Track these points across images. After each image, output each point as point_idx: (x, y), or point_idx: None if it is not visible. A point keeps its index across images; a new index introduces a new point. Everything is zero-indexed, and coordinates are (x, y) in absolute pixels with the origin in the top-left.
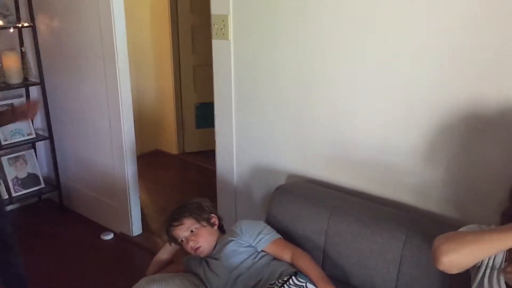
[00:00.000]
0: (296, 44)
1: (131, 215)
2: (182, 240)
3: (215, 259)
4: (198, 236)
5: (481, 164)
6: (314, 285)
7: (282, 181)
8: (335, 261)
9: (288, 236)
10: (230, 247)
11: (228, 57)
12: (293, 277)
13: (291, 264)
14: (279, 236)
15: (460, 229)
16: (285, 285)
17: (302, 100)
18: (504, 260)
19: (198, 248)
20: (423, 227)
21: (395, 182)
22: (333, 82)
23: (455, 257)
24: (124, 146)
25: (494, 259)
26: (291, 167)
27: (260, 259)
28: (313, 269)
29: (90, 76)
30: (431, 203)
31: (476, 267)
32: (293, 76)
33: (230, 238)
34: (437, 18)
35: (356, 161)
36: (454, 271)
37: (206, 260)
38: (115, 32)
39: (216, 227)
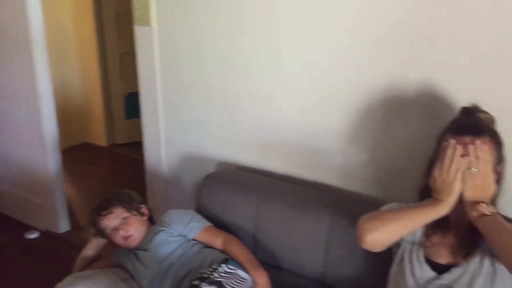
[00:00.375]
0: (220, 30)
1: (57, 212)
2: (111, 231)
3: (144, 250)
4: (128, 225)
5: (401, 144)
6: (245, 270)
7: (212, 169)
8: (265, 246)
9: (219, 224)
10: (160, 237)
11: (151, 45)
12: (223, 265)
13: (223, 251)
14: (210, 223)
15: (382, 208)
16: (214, 273)
17: (228, 87)
18: (422, 235)
19: (128, 236)
20: (349, 208)
21: (322, 165)
22: (257, 68)
23: (378, 235)
24: (45, 139)
25: (414, 234)
26: (221, 154)
27: (191, 248)
28: (243, 255)
29: (4, 64)
30: (356, 184)
31: (398, 244)
32: (218, 63)
33: (160, 228)
34: (354, 1)
35: (284, 146)
36: (377, 248)
37: (135, 252)
38: (29, 14)
39: (146, 218)
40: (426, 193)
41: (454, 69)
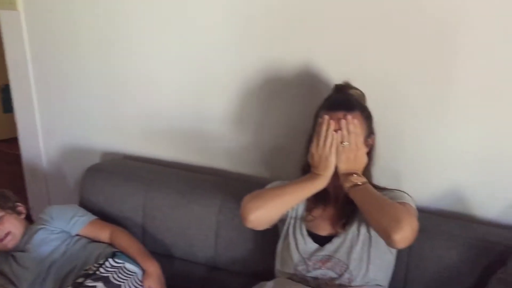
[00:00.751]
0: (98, 13)
1: None
2: None
3: (22, 251)
4: (4, 223)
5: (284, 123)
6: (134, 263)
7: (97, 160)
8: (155, 235)
9: (105, 216)
10: (39, 235)
11: (20, 30)
12: (110, 259)
13: (110, 245)
14: (95, 217)
15: (266, 187)
16: (100, 268)
17: (109, 72)
18: (304, 210)
19: (6, 235)
20: (236, 190)
21: (209, 149)
22: (138, 51)
23: (261, 213)
24: None
25: (296, 210)
26: (106, 144)
27: (75, 243)
28: (132, 246)
29: None
30: (243, 166)
31: (282, 220)
32: (97, 47)
33: (39, 227)
34: None
35: (169, 132)
36: (261, 227)
37: (12, 254)
38: None
39: (23, 216)
40: (308, 170)
41: (328, 49)
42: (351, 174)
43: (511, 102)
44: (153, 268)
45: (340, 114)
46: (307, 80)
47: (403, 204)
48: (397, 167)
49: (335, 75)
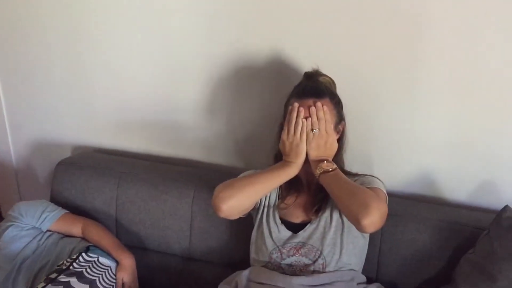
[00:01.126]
0: (62, 5)
1: None
2: None
3: None
4: None
5: (256, 112)
6: (108, 256)
7: (67, 154)
8: (129, 228)
9: (78, 211)
10: (9, 233)
11: None
12: (83, 254)
13: (83, 239)
14: (66, 211)
15: (239, 176)
16: (74, 263)
17: (76, 64)
18: (277, 198)
19: None
20: (210, 180)
21: (182, 140)
22: (107, 41)
23: (233, 203)
24: None
25: (269, 198)
26: (77, 138)
27: (46, 239)
28: (104, 238)
29: None
30: (217, 156)
31: (256, 209)
32: (64, 38)
33: (8, 224)
34: None
35: (141, 123)
36: (234, 216)
37: None
38: None
39: None
40: (280, 158)
41: (298, 37)
42: (321, 160)
43: (477, 87)
44: (127, 260)
45: (309, 101)
46: (278, 68)
47: (373, 189)
48: (368, 153)
49: (306, 63)
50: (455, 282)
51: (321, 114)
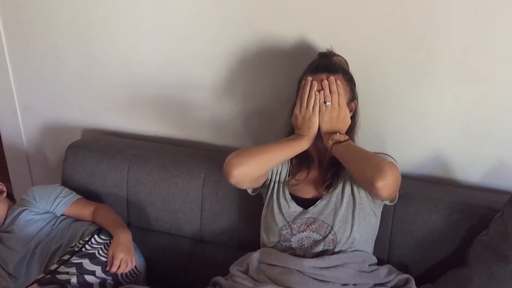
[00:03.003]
0: None
1: None
2: None
3: (7, 232)
4: None
5: (270, 92)
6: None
7: (77, 137)
8: (139, 210)
9: (88, 194)
10: (24, 216)
11: None
12: (95, 236)
13: (94, 222)
14: (79, 196)
15: None
16: (86, 245)
17: (86, 48)
18: (288, 174)
19: None
20: (221, 162)
21: (194, 122)
22: (116, 25)
23: (244, 169)
24: None
25: (280, 174)
26: (87, 121)
27: (59, 223)
28: (107, 218)
29: None
30: (228, 138)
31: (266, 185)
32: (71, 19)
33: (23, 208)
34: None
35: (154, 107)
36: (245, 183)
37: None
38: None
39: (4, 195)
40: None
41: (313, 17)
42: (334, 132)
43: (493, 67)
44: (122, 235)
45: (323, 75)
46: (293, 50)
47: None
48: (380, 133)
49: (321, 46)
50: (468, 264)
51: (334, 87)
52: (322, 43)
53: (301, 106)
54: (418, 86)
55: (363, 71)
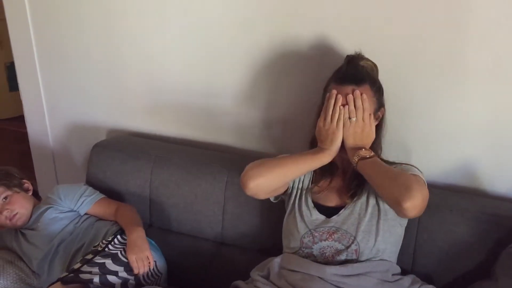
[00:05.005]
0: None
1: None
2: None
3: (32, 229)
4: (12, 204)
5: (294, 98)
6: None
7: (103, 137)
8: (162, 211)
9: (112, 194)
10: (49, 214)
11: (23, 6)
12: (118, 236)
13: (117, 222)
14: (103, 196)
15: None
16: (109, 245)
17: (112, 49)
18: (310, 181)
19: (14, 216)
20: (244, 166)
21: (217, 125)
22: (143, 28)
23: (261, 181)
24: None
25: (302, 182)
26: (111, 122)
27: (83, 222)
28: (127, 218)
29: None
30: (251, 142)
31: (288, 193)
32: (100, 24)
33: (48, 206)
34: None
35: (176, 108)
36: (261, 195)
37: (22, 232)
38: None
39: (30, 193)
40: (316, 144)
41: (339, 21)
42: (359, 148)
43: None
44: (132, 235)
45: (348, 88)
46: (318, 53)
47: (413, 174)
48: (407, 141)
49: (347, 48)
50: (495, 276)
51: (359, 103)
52: (348, 46)
53: (325, 119)
54: (446, 94)
55: (389, 76)
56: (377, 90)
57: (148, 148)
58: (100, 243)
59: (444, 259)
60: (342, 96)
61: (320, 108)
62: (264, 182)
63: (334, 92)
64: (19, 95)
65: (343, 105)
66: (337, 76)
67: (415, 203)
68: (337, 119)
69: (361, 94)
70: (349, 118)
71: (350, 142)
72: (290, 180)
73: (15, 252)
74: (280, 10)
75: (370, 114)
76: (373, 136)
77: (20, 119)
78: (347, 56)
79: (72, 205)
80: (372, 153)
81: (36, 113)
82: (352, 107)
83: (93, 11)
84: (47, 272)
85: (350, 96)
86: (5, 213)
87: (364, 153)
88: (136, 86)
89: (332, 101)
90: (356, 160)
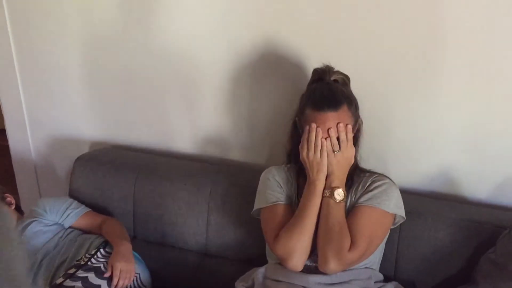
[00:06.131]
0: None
1: None
2: None
3: None
4: None
5: (274, 107)
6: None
7: (85, 150)
8: (146, 224)
9: (96, 207)
10: (32, 228)
11: (4, 23)
12: (101, 249)
13: (101, 235)
14: (88, 209)
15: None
16: (92, 259)
17: (93, 65)
18: (296, 196)
19: None
20: (227, 176)
21: (199, 136)
22: (121, 42)
23: (299, 252)
24: None
25: (289, 197)
26: (94, 135)
27: (67, 236)
28: (113, 231)
29: None
30: (234, 153)
31: None
32: (80, 40)
33: (31, 219)
34: None
35: (160, 121)
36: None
37: None
38: None
39: (13, 207)
40: (293, 156)
41: (310, 32)
42: (336, 186)
43: (497, 83)
44: (121, 247)
45: (327, 115)
46: (292, 63)
47: (374, 211)
48: (385, 149)
49: (319, 58)
50: (475, 282)
51: (343, 136)
52: (319, 57)
53: (308, 150)
54: (422, 101)
55: (364, 85)
56: (353, 107)
57: (131, 160)
58: (83, 257)
59: (426, 265)
60: (322, 125)
61: (295, 121)
62: (301, 250)
63: (314, 126)
64: None
65: (325, 138)
66: (313, 101)
67: (332, 269)
68: (321, 151)
69: (346, 126)
70: (333, 151)
71: (331, 169)
72: (313, 228)
73: None
74: (248, 22)
75: (351, 141)
76: (352, 160)
77: (2, 133)
78: (315, 71)
79: (57, 218)
80: (342, 198)
81: (17, 128)
82: (334, 140)
83: (75, 29)
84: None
85: (333, 130)
86: None
87: (338, 195)
88: (118, 99)
89: (313, 134)
90: (327, 194)
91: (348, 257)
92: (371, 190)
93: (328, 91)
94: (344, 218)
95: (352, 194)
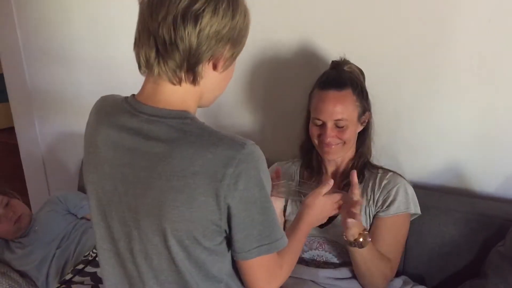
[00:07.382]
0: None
1: None
2: None
3: (29, 235)
4: (14, 207)
5: (284, 102)
6: None
7: None
8: None
9: None
10: (47, 217)
11: (11, 17)
12: None
13: None
14: None
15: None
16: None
17: (102, 59)
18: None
19: (19, 217)
20: None
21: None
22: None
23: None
24: None
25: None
26: None
27: (80, 227)
28: None
29: None
30: None
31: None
32: (89, 34)
33: (46, 210)
34: None
35: None
36: None
37: (16, 241)
38: None
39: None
40: (306, 149)
41: (324, 27)
42: (361, 234)
43: (507, 77)
44: None
45: (330, 93)
46: (305, 60)
47: (399, 216)
48: (396, 144)
49: (334, 53)
50: (485, 275)
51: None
52: (334, 52)
53: None
54: (432, 96)
55: (375, 80)
56: (360, 94)
57: None
58: (90, 252)
59: (434, 260)
60: (328, 102)
61: (308, 114)
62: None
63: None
64: (8, 107)
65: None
66: (320, 81)
67: None
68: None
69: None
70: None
71: (353, 233)
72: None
73: (7, 264)
74: (263, 19)
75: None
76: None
77: (10, 131)
78: (332, 61)
79: (71, 208)
80: (367, 240)
81: (26, 124)
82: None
83: (82, 18)
84: (45, 275)
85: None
86: (10, 216)
87: (363, 240)
88: (127, 93)
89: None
90: (351, 240)
91: (392, 275)
92: (392, 202)
93: (335, 74)
94: (373, 252)
95: (369, 193)
